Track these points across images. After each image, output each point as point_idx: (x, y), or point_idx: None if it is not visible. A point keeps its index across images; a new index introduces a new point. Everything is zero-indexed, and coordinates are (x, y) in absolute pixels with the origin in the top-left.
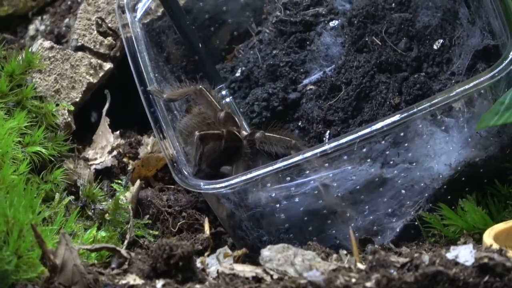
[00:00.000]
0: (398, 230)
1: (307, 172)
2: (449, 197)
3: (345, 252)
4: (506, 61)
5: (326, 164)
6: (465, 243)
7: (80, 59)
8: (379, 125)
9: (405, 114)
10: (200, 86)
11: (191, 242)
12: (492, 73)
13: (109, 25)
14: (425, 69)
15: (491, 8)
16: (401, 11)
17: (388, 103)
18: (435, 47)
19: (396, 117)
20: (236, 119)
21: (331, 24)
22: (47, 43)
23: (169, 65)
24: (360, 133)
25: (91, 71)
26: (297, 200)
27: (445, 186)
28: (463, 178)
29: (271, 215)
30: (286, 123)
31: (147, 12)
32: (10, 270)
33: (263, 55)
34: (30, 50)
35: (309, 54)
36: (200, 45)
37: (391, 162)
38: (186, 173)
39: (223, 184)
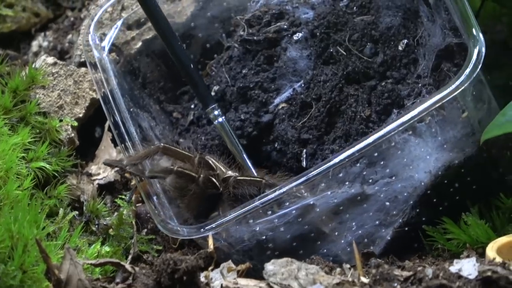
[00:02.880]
0: (388, 238)
1: (287, 203)
2: (434, 200)
3: (348, 266)
4: (468, 69)
5: (306, 194)
6: (468, 256)
7: (84, 75)
8: (346, 153)
9: (371, 140)
10: (162, 144)
11: (195, 257)
12: (454, 85)
13: (114, 40)
14: (392, 73)
15: (451, 5)
16: (363, 14)
17: (359, 116)
18: (400, 48)
19: (362, 144)
20: (212, 161)
21: (295, 37)
22: (50, 59)
23: (146, 89)
24: (325, 166)
25: (95, 87)
26: (282, 229)
27: (428, 191)
28: (446, 181)
29: (259, 247)
30: (263, 145)
31: (114, 43)
32: (15, 285)
33: (234, 74)
34: (33, 66)
35: (277, 70)
36: (192, 66)
37: (370, 181)
38: (168, 220)
39: (205, 228)
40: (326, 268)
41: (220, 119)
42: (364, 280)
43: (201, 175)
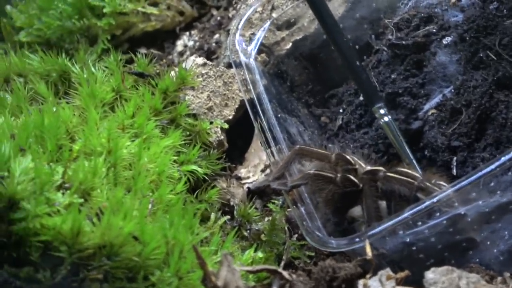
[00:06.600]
0: None
1: (438, 214)
2: None
3: (508, 274)
4: None
5: (456, 204)
6: None
7: (233, 76)
8: (498, 162)
9: None
10: (298, 146)
11: (354, 264)
12: None
13: (263, 41)
14: None
15: None
16: None
17: (509, 123)
18: None
19: None
20: (350, 156)
21: (444, 41)
22: (200, 60)
23: (294, 93)
24: (476, 175)
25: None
26: (433, 240)
27: None
28: None
29: (409, 257)
30: (412, 153)
31: (264, 44)
32: None
33: (382, 79)
34: (183, 66)
35: (427, 75)
36: (358, 63)
37: None
38: (316, 231)
39: (354, 240)
40: (487, 277)
41: (386, 118)
42: None
43: (339, 175)
